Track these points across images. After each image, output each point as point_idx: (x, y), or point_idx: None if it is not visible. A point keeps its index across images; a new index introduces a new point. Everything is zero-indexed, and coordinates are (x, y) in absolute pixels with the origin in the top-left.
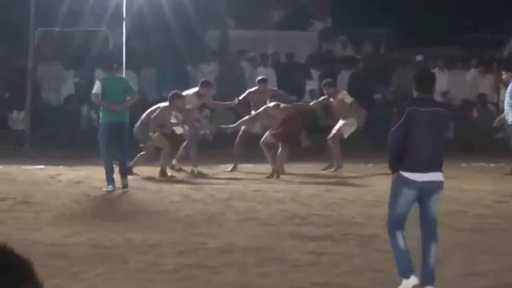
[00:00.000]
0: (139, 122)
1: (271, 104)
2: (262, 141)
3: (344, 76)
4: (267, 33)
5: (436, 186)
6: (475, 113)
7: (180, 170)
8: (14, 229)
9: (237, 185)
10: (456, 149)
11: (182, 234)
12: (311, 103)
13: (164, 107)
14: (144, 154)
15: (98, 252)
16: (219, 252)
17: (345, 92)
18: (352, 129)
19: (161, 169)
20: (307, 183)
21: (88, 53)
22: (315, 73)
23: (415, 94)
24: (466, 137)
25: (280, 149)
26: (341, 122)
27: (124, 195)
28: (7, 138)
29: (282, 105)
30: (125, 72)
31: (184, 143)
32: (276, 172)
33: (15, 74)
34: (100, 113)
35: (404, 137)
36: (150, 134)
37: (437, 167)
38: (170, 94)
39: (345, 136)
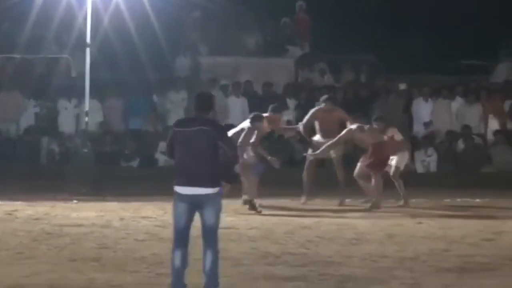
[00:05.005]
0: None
1: (354, 126)
2: (356, 173)
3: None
4: (241, 59)
5: (204, 199)
6: (460, 145)
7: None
8: None
9: None
10: (440, 183)
11: (148, 275)
12: None
13: (249, 129)
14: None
15: None
16: None
17: (395, 129)
18: (405, 159)
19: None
20: (281, 220)
21: (50, 82)
22: (291, 103)
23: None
24: (450, 171)
25: (373, 180)
26: (394, 158)
27: (87, 233)
28: None
29: (366, 126)
30: (89, 102)
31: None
32: (378, 205)
33: None
34: None
35: (173, 154)
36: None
37: (202, 182)
38: (252, 116)
39: (402, 168)
